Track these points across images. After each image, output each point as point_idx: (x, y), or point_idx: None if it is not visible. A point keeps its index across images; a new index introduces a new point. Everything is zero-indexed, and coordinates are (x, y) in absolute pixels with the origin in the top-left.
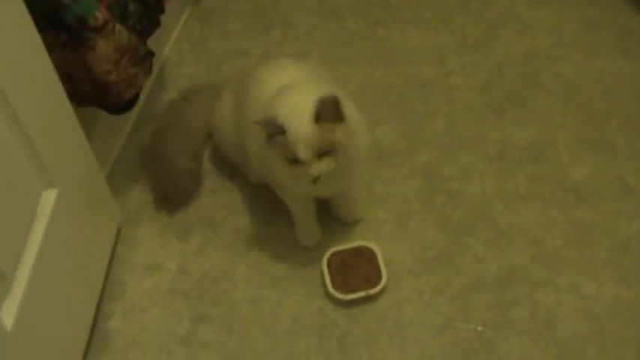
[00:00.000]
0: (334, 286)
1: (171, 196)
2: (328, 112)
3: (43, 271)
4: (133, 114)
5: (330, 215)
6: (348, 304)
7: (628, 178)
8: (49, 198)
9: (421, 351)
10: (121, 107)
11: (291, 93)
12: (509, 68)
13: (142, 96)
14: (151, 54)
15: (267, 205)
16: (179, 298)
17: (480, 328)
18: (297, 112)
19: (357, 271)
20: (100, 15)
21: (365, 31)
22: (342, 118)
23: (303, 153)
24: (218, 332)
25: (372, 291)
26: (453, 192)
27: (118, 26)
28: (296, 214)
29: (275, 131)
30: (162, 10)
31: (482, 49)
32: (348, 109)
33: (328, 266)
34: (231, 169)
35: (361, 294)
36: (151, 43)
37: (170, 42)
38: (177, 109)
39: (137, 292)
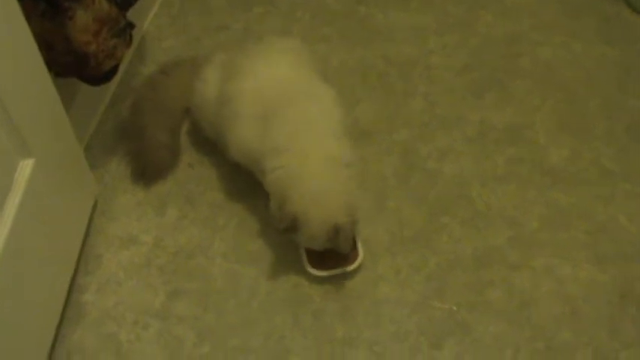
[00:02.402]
0: (310, 263)
1: (149, 170)
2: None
3: (18, 242)
4: (112, 86)
5: None
6: (324, 280)
7: (605, 162)
8: (26, 168)
9: (396, 328)
10: (100, 79)
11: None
12: (489, 50)
13: (121, 69)
14: (131, 26)
15: (244, 180)
16: (155, 271)
17: (455, 308)
18: (317, 234)
19: (333, 249)
20: None
21: (346, 10)
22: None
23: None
24: (193, 306)
25: (349, 268)
26: (430, 171)
27: None
28: None
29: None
30: None
31: (463, 29)
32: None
33: None
34: (209, 144)
35: (337, 271)
36: (131, 15)
37: (150, 15)
38: (156, 83)
39: (113, 265)
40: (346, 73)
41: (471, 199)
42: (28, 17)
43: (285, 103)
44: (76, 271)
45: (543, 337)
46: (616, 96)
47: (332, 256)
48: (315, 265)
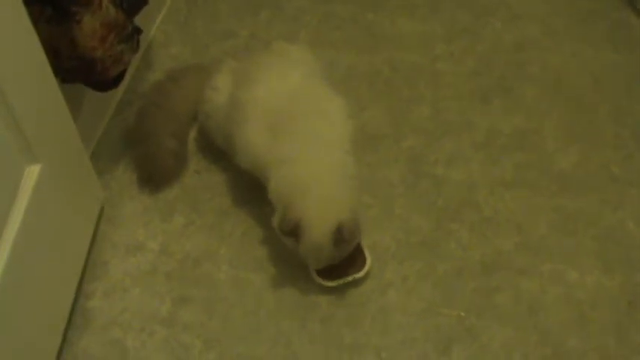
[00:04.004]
0: (319, 273)
1: (155, 176)
2: (347, 239)
3: (24, 249)
4: (118, 93)
5: None
6: (332, 287)
7: (613, 168)
8: (32, 174)
9: (403, 335)
10: (107, 84)
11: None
12: (497, 56)
13: (128, 75)
14: (137, 31)
15: (251, 188)
16: (161, 278)
17: (462, 314)
18: (321, 239)
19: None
20: None
21: (354, 16)
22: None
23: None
24: (200, 313)
25: (357, 275)
26: (438, 177)
27: (105, 2)
28: None
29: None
30: None
31: (470, 36)
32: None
33: None
34: (217, 151)
35: (347, 279)
36: (138, 21)
37: (157, 21)
38: (164, 89)
39: (119, 271)
40: (353, 79)
41: (478, 205)
42: (35, 22)
43: (295, 114)
44: (82, 277)
45: (551, 342)
46: (624, 102)
47: (339, 264)
48: (323, 276)
